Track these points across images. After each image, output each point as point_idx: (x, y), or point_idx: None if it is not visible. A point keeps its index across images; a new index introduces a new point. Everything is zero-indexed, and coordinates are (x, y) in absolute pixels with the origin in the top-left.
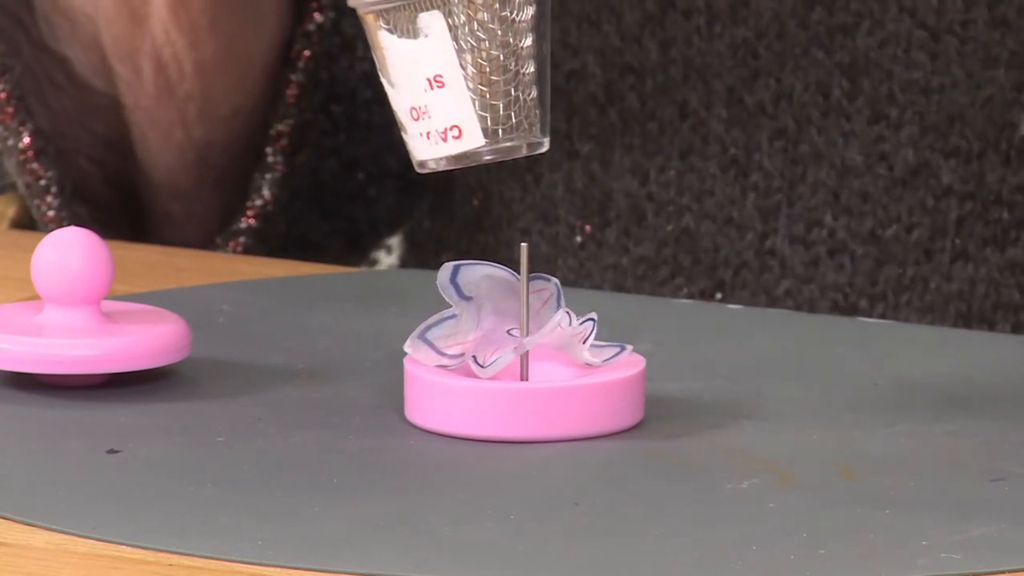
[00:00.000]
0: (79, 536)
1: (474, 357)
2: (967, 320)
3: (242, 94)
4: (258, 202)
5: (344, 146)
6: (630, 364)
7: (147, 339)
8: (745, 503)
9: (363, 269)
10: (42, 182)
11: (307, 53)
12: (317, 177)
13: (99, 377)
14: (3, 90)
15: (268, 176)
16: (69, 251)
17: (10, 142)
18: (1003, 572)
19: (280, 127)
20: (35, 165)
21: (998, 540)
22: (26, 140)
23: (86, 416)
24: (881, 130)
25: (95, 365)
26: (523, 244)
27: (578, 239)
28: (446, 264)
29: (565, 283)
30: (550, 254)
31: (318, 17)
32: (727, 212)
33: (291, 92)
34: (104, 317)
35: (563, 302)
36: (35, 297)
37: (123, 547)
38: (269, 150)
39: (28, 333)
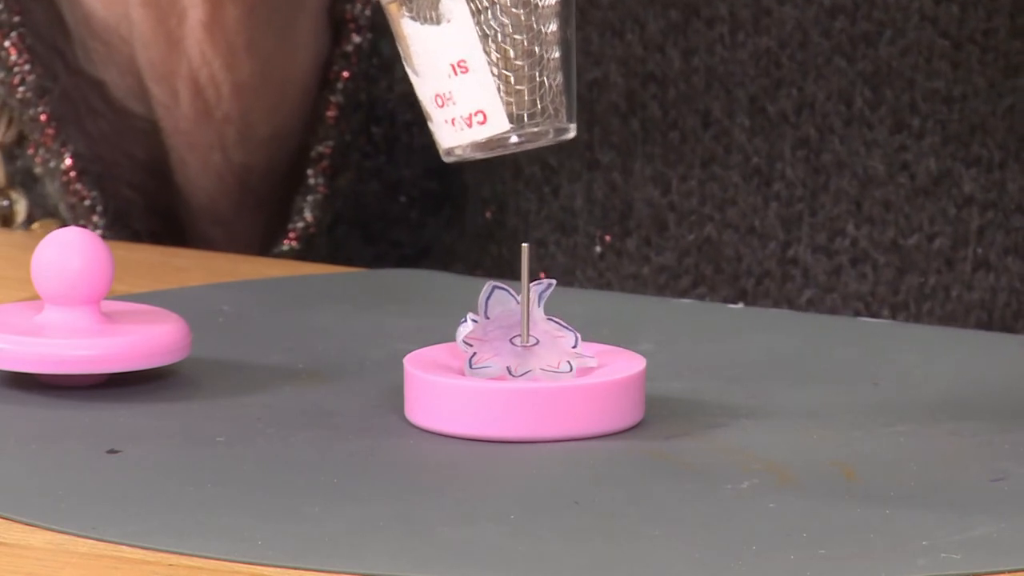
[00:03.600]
0: (79, 536)
1: (472, 356)
2: (988, 329)
3: (281, 116)
4: (300, 224)
5: (385, 168)
6: (630, 364)
7: (147, 339)
8: (745, 503)
9: (363, 269)
10: (87, 202)
11: (346, 74)
12: (359, 200)
13: (99, 377)
14: (43, 112)
15: (310, 198)
16: (69, 251)
17: (52, 164)
18: (1003, 572)
19: (321, 149)
20: (79, 186)
21: (998, 540)
22: (68, 161)
23: (86, 416)
24: (903, 139)
25: (95, 365)
26: (524, 244)
27: (597, 249)
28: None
29: (585, 295)
30: (568, 265)
31: (356, 38)
32: (749, 221)
33: (331, 113)
34: (104, 317)
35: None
36: (35, 297)
37: (123, 547)
38: (310, 172)
39: (28, 333)
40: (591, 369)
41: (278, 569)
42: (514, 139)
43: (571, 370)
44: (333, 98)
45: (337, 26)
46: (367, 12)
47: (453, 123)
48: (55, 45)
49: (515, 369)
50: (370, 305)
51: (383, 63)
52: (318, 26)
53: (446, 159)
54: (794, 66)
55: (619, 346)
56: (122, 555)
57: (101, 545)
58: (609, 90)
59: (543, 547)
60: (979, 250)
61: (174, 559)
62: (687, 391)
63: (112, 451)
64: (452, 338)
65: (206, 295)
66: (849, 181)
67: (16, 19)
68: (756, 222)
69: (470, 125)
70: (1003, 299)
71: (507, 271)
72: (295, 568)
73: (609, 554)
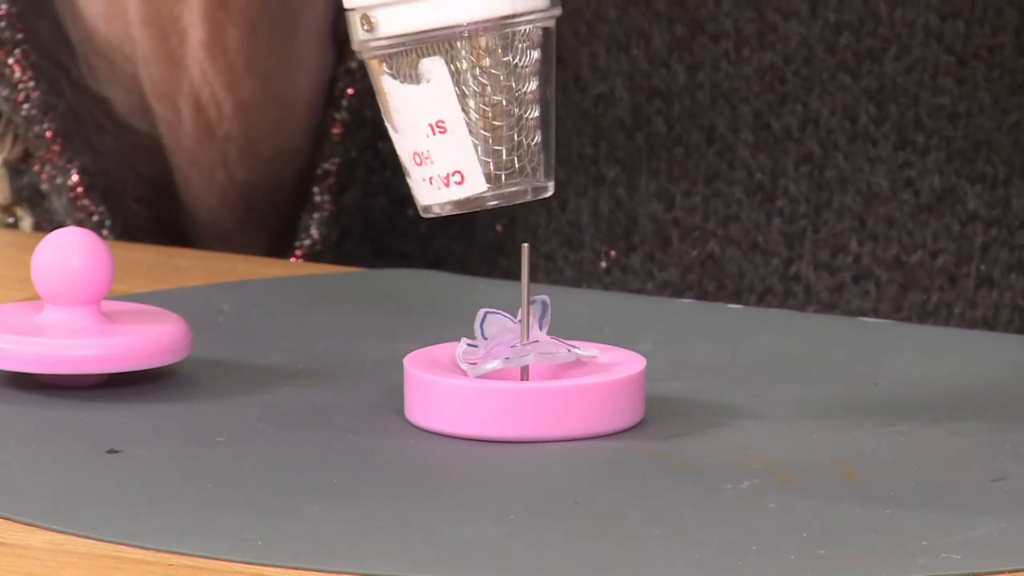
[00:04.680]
0: (79, 536)
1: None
2: None
3: (284, 134)
4: (307, 242)
5: (392, 183)
6: (630, 364)
7: (147, 339)
8: (745, 503)
9: (363, 269)
10: (95, 218)
11: (350, 91)
12: (367, 215)
13: (99, 377)
14: (48, 128)
15: (316, 216)
16: (69, 251)
17: (58, 180)
18: (1003, 572)
19: (327, 166)
20: (86, 201)
21: (998, 540)
22: (75, 177)
23: (86, 416)
24: (907, 156)
25: (95, 365)
26: (524, 245)
27: (603, 264)
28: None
29: (586, 295)
30: (574, 279)
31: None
32: (752, 237)
33: (336, 131)
34: (104, 317)
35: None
36: (35, 297)
37: (123, 547)
38: (316, 189)
39: (28, 333)
40: (592, 364)
41: (278, 569)
42: (492, 200)
43: (568, 353)
44: (338, 115)
45: (340, 43)
46: None
47: (431, 181)
48: (60, 62)
49: (513, 357)
50: (370, 305)
51: None
52: (320, 44)
53: (424, 215)
54: (799, 82)
55: (619, 346)
56: (122, 555)
57: (101, 545)
58: (615, 105)
59: (543, 547)
60: (982, 267)
61: (174, 559)
62: (687, 391)
63: (112, 451)
64: (452, 338)
65: (206, 295)
66: (853, 197)
67: (20, 36)
68: (759, 238)
69: (447, 185)
70: (1006, 316)
71: (516, 283)
72: (295, 568)
73: (609, 554)
